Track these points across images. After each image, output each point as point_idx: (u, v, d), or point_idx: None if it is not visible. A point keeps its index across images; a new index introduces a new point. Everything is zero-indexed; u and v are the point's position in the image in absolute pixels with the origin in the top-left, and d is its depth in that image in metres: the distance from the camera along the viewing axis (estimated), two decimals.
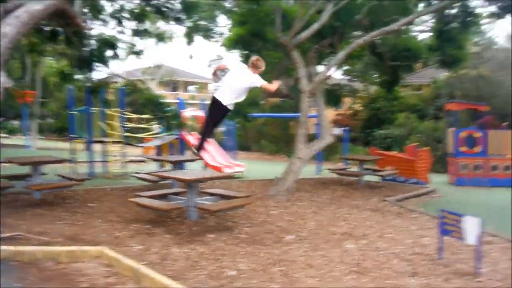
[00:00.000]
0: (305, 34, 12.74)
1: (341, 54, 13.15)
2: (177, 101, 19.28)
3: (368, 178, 16.25)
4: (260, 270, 6.27)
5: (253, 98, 15.65)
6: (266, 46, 15.56)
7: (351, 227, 9.00)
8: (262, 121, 33.73)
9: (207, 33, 18.82)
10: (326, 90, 18.14)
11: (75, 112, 16.51)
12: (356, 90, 30.87)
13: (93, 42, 11.31)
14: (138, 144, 18.48)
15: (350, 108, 34.95)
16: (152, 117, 14.77)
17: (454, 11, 14.31)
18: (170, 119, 12.57)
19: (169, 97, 38.73)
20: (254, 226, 8.85)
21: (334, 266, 6.51)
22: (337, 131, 39.40)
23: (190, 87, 62.90)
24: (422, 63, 20.88)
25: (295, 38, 12.79)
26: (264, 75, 16.41)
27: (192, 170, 12.56)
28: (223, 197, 9.71)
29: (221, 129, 21.57)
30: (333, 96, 17.96)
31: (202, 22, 17.73)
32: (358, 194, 13.29)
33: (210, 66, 45.38)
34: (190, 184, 8.92)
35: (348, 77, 32.68)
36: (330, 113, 39.12)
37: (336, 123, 37.45)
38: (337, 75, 33.45)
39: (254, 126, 32.90)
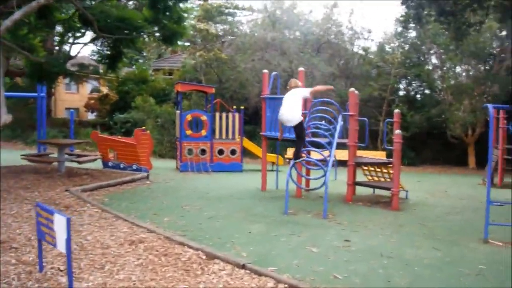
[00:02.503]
0: None
1: (17, 14, 10.63)
2: None
3: (91, 164, 14.81)
4: None
5: None
6: None
7: None
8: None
9: None
10: (34, 65, 15.45)
11: None
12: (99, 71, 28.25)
13: None
14: None
15: (94, 91, 32.38)
16: None
17: None
18: None
19: None
20: None
21: None
22: (90, 116, 36.72)
23: None
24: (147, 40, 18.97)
25: None
26: None
27: None
28: None
29: None
30: (43, 72, 15.17)
31: None
32: (47, 184, 11.00)
33: None
34: None
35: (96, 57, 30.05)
36: (83, 97, 36.17)
37: (88, 107, 34.73)
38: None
39: None
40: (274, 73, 12.55)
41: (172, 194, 10.82)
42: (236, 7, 26.88)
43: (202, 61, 24.76)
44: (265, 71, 12.15)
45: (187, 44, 26.84)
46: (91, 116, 35.79)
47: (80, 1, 12.94)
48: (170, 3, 13.15)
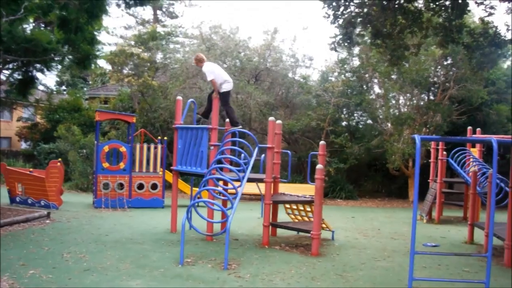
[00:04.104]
0: None
1: None
2: None
3: None
4: None
5: None
6: None
7: None
8: None
9: None
10: None
11: None
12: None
13: None
14: None
15: (20, 119, 30.66)
16: None
17: None
18: None
19: None
20: None
21: None
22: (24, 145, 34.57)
23: None
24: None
25: None
26: None
27: None
28: None
29: None
30: None
31: None
32: None
33: None
34: None
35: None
36: (9, 125, 34.11)
37: (21, 136, 32.72)
38: None
39: None
40: (190, 100, 11.41)
41: (63, 237, 9.36)
42: (169, 34, 25.69)
43: (136, 89, 23.47)
44: (179, 98, 10.96)
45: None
46: (24, 146, 33.81)
47: None
48: (81, 22, 11.85)
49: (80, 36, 12.24)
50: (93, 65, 14.29)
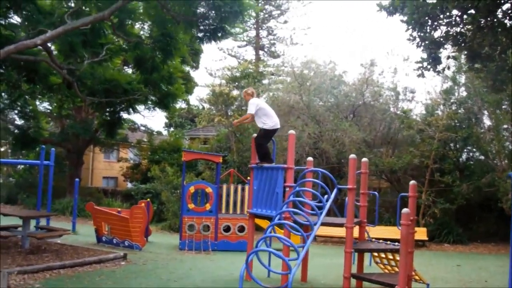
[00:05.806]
0: None
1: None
2: None
3: (89, 238, 14.25)
4: None
5: None
6: None
7: None
8: None
9: None
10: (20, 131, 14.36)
11: None
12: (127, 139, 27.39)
13: None
14: None
15: (121, 159, 31.58)
16: None
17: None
18: None
19: None
20: None
21: None
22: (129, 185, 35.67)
23: None
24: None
25: None
26: None
27: None
28: None
29: None
30: (26, 139, 14.01)
31: None
32: None
33: None
34: None
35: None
36: (117, 165, 35.27)
37: (126, 176, 33.77)
38: None
39: None
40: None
41: (128, 281, 8.83)
42: (264, 72, 25.49)
43: (231, 129, 23.33)
44: (255, 136, 10.21)
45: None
46: (130, 186, 34.81)
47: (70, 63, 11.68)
48: (156, 61, 11.62)
49: (157, 75, 12.04)
50: (173, 104, 14.07)
